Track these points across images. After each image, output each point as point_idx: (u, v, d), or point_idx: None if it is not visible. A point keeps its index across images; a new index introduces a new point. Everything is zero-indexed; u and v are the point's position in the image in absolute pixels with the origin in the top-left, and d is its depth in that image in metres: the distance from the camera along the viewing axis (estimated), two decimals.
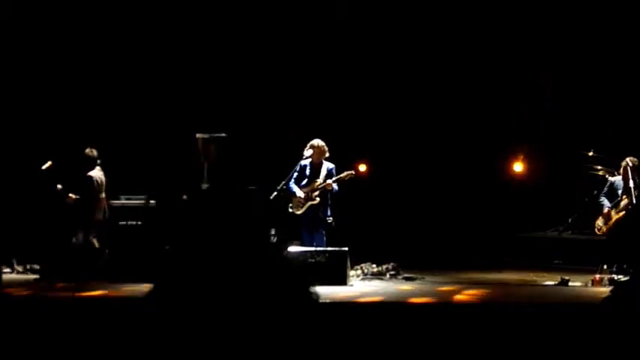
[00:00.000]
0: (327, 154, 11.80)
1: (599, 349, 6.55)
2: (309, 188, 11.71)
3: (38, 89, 14.90)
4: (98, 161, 12.38)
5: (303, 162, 11.82)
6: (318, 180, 11.70)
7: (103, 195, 12.30)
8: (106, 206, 12.31)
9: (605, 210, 11.55)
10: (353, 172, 11.83)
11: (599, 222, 11.64)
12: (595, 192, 12.02)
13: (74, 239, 12.15)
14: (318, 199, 11.69)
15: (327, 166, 11.79)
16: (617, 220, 11.40)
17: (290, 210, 11.78)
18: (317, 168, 11.77)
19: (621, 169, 11.58)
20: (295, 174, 11.79)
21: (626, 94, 14.58)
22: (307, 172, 11.77)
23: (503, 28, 15.05)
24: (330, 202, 11.78)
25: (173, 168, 14.00)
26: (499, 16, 15.07)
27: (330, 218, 11.75)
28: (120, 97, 15.10)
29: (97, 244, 12.12)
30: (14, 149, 14.16)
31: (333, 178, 11.66)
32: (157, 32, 15.14)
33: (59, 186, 12.32)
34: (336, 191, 11.71)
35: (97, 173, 12.25)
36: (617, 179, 11.72)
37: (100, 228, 12.24)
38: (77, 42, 15.00)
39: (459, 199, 15.71)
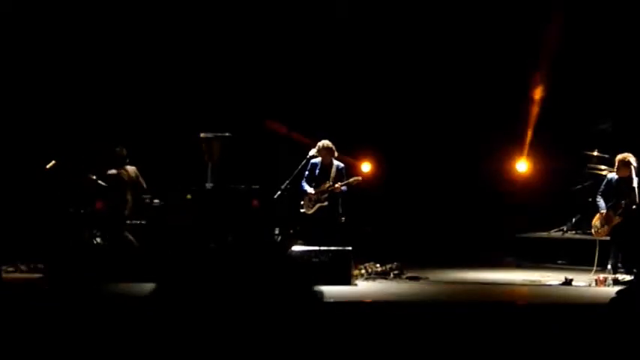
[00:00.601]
0: (336, 154, 11.85)
1: (603, 350, 6.55)
2: (319, 190, 11.77)
3: (43, 88, 14.91)
4: (127, 160, 12.38)
5: (313, 160, 11.87)
6: (327, 182, 11.75)
7: (128, 195, 12.24)
8: (130, 205, 12.27)
9: (603, 211, 11.49)
10: (360, 177, 11.87)
11: (596, 222, 11.60)
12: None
13: (82, 237, 12.20)
14: (326, 201, 11.75)
15: (336, 165, 11.84)
16: (617, 223, 11.36)
17: (302, 210, 11.85)
18: (327, 168, 11.81)
19: (618, 165, 11.51)
20: (307, 173, 11.84)
21: (627, 92, 14.56)
22: (317, 172, 11.80)
23: (505, 26, 15.04)
24: (340, 201, 11.85)
25: (177, 167, 14.00)
26: (500, 14, 15.06)
27: (343, 218, 11.83)
28: (124, 96, 15.10)
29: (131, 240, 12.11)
30: (19, 148, 14.18)
31: (341, 183, 11.71)
32: (161, 32, 15.15)
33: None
34: (344, 192, 11.80)
35: (117, 171, 12.24)
36: (612, 176, 11.66)
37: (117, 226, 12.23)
38: (82, 41, 15.02)
39: (462, 199, 15.70)
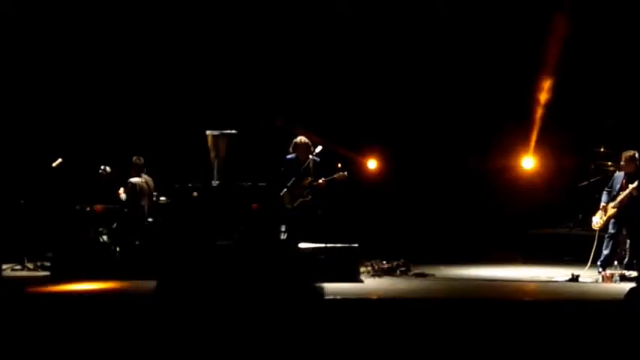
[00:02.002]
0: (312, 148, 11.77)
1: (612, 345, 6.53)
2: (301, 185, 11.71)
3: (49, 87, 14.93)
4: (145, 169, 12.49)
5: (289, 156, 11.83)
6: (308, 177, 11.70)
7: (144, 202, 12.37)
8: (146, 211, 12.40)
9: (603, 204, 11.54)
10: (346, 173, 11.81)
11: (596, 215, 11.64)
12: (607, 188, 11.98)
13: (88, 235, 12.24)
14: (310, 196, 11.71)
15: (313, 160, 11.78)
16: (610, 216, 11.40)
17: (283, 206, 11.78)
18: (304, 164, 11.72)
19: (624, 161, 11.51)
20: (283, 169, 11.79)
21: (633, 88, 14.53)
22: (295, 167, 11.69)
23: (512, 19, 15.03)
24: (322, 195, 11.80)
25: (184, 165, 13.99)
26: (507, 7, 15.05)
27: (319, 211, 11.81)
28: (131, 94, 15.10)
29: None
30: (25, 147, 14.21)
31: (325, 178, 11.66)
32: (165, 29, 15.15)
33: (107, 168, 12.43)
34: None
35: (138, 180, 12.33)
36: (619, 173, 11.68)
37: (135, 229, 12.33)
38: (86, 39, 15.02)
39: (469, 196, 15.68)
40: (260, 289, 8.53)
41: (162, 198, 12.84)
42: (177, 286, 8.08)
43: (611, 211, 11.39)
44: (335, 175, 11.72)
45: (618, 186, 11.45)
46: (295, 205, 11.73)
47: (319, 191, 11.72)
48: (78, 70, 15.03)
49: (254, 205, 12.31)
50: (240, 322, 7.15)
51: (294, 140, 11.78)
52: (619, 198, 11.30)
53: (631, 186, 11.20)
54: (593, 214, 11.75)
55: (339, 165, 12.05)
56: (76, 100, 15.00)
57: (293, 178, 11.55)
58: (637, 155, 11.33)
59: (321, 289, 7.18)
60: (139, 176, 12.44)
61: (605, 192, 11.67)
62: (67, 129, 14.49)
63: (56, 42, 14.89)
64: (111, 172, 12.49)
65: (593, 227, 11.68)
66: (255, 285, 8.71)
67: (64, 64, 15.01)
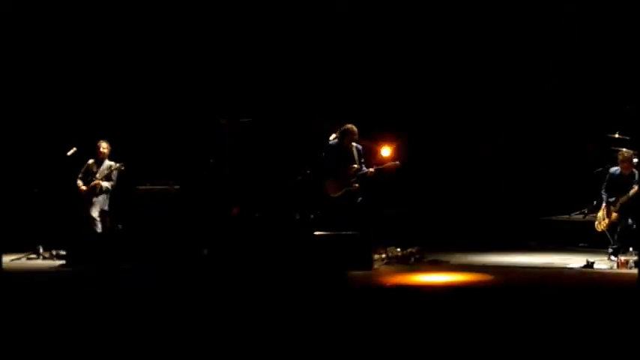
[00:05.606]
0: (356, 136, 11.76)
1: (626, 331, 6.53)
2: (346, 173, 11.61)
3: (67, 76, 14.98)
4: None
5: (331, 142, 11.77)
6: (355, 165, 11.62)
7: None
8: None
9: (603, 204, 11.62)
10: (398, 162, 11.76)
11: (599, 215, 11.72)
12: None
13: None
14: (356, 184, 11.64)
15: (356, 147, 11.74)
16: (613, 221, 11.49)
17: (326, 193, 11.68)
18: (348, 151, 11.65)
19: (620, 161, 11.59)
20: (326, 156, 11.68)
21: None
22: (338, 154, 11.63)
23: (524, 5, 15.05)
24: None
25: (197, 153, 14.01)
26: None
27: (360, 199, 11.73)
28: (145, 82, 15.11)
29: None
30: (40, 136, 14.28)
31: (377, 167, 11.64)
32: (181, 18, 15.17)
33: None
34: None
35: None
36: (614, 171, 11.71)
37: None
38: (100, 25, 15.05)
39: (483, 182, 15.66)
40: (282, 276, 8.62)
41: (175, 186, 12.85)
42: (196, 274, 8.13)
43: (614, 215, 11.45)
44: (386, 165, 11.72)
45: (617, 186, 11.52)
46: (340, 194, 11.64)
47: (366, 180, 11.68)
48: (93, 57, 15.08)
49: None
50: (262, 309, 7.22)
51: (345, 127, 11.67)
52: (620, 201, 11.37)
53: (633, 190, 11.25)
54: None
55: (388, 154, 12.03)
56: (91, 89, 15.04)
57: (332, 166, 11.52)
58: (634, 159, 11.47)
59: (345, 276, 7.23)
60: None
61: (603, 190, 11.73)
62: (82, 118, 14.52)
63: (63, 32, 14.92)
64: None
65: (597, 228, 11.76)
66: (277, 272, 8.82)
67: (77, 53, 15.05)
